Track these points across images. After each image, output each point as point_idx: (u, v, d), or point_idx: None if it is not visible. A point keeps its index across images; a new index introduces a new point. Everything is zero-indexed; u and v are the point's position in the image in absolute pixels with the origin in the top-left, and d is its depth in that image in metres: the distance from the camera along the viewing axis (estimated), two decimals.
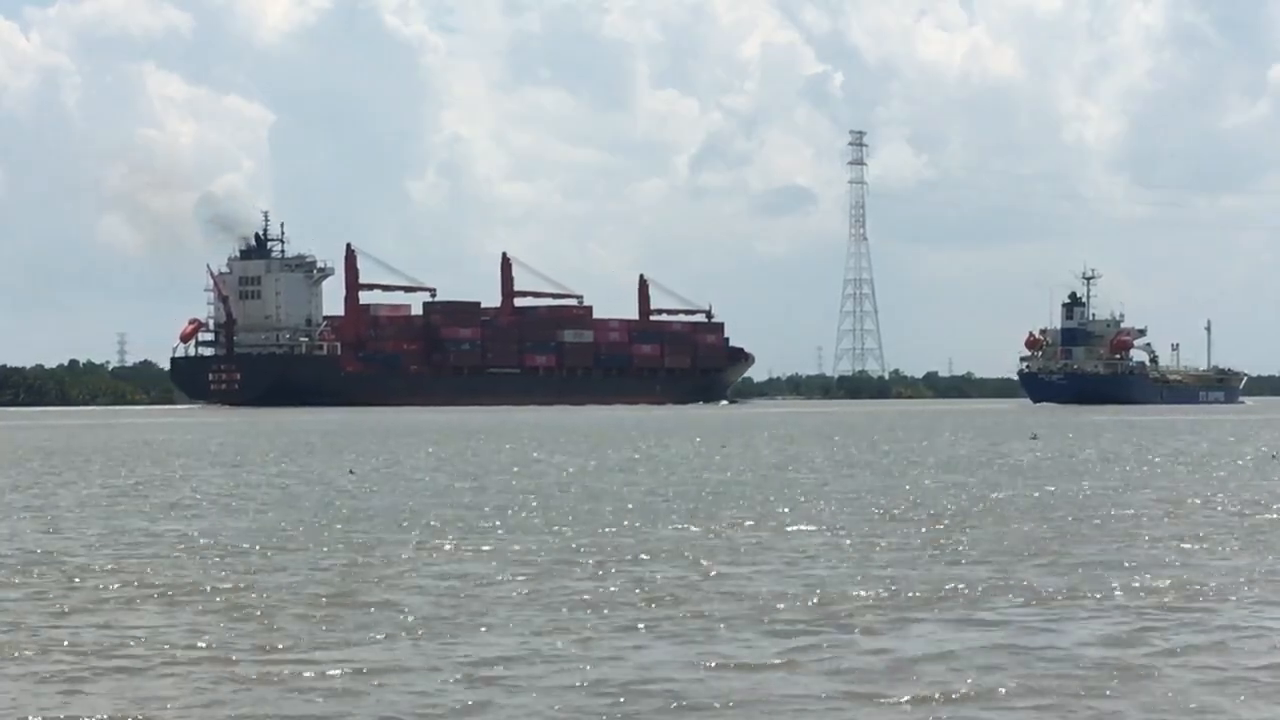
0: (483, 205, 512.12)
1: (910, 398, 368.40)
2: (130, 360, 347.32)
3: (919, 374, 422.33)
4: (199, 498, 42.69)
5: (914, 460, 62.27)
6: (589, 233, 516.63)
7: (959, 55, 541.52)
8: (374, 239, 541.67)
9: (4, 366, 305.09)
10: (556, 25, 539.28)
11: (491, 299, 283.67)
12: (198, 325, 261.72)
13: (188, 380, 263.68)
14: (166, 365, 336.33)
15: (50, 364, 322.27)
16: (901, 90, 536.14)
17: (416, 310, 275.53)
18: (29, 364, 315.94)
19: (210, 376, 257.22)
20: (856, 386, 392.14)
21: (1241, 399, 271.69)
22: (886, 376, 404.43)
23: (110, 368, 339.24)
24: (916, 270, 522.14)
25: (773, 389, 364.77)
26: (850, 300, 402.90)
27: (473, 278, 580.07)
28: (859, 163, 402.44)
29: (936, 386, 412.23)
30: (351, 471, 55.66)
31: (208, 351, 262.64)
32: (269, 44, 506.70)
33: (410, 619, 20.36)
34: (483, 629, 19.65)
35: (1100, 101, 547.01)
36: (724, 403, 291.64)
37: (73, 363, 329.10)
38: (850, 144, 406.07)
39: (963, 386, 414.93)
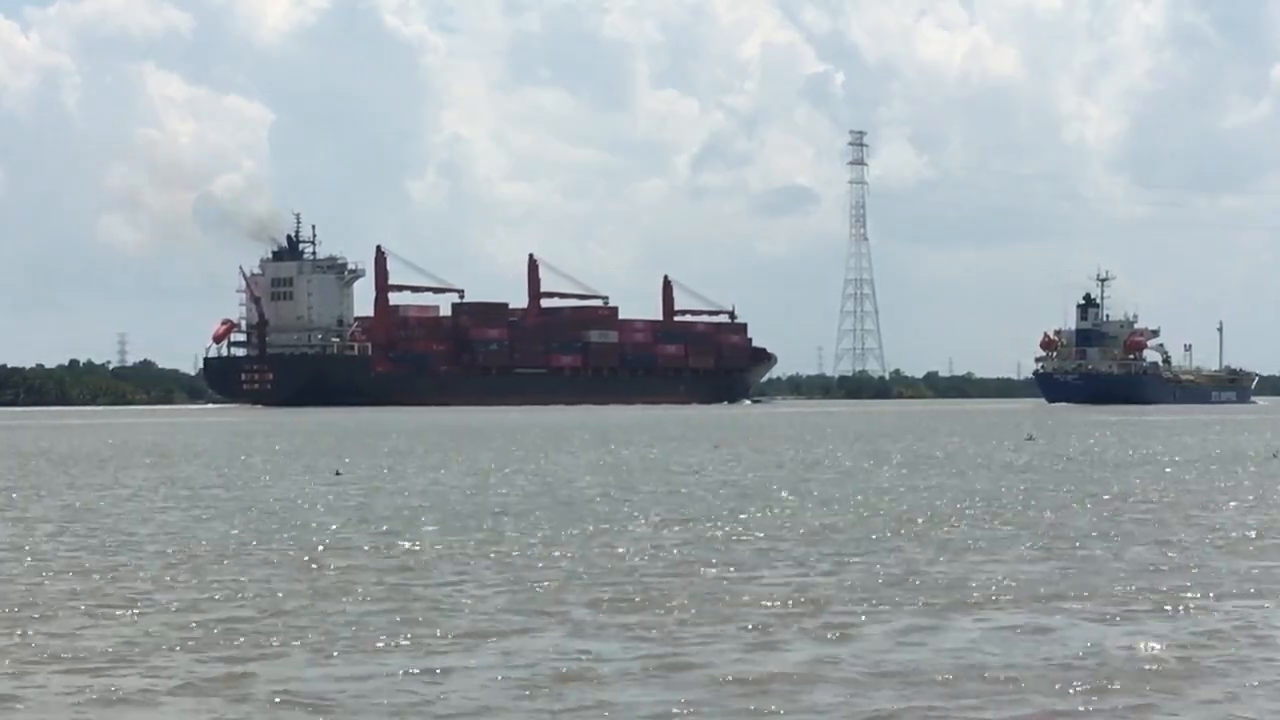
0: (483, 205, 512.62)
1: (910, 398, 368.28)
2: (130, 360, 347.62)
3: (919, 374, 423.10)
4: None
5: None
6: (589, 233, 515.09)
7: (959, 55, 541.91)
8: (374, 239, 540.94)
9: (4, 366, 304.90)
10: (556, 25, 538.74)
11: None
12: (230, 325, 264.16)
13: (220, 380, 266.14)
14: (166, 365, 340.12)
15: (50, 364, 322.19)
16: (902, 90, 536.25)
17: (445, 311, 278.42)
18: (29, 364, 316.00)
19: (243, 376, 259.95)
20: (857, 386, 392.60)
21: (1253, 399, 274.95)
22: (887, 376, 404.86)
23: (110, 368, 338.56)
24: (917, 270, 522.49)
25: (773, 389, 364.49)
26: (851, 300, 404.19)
27: (473, 277, 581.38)
28: (859, 163, 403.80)
29: (936, 386, 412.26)
30: (338, 473, 55.10)
31: (240, 352, 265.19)
32: (269, 44, 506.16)
33: None
34: None
35: (1100, 101, 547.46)
36: (746, 402, 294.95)
37: (73, 363, 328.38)
38: (850, 144, 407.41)
39: (963, 386, 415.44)
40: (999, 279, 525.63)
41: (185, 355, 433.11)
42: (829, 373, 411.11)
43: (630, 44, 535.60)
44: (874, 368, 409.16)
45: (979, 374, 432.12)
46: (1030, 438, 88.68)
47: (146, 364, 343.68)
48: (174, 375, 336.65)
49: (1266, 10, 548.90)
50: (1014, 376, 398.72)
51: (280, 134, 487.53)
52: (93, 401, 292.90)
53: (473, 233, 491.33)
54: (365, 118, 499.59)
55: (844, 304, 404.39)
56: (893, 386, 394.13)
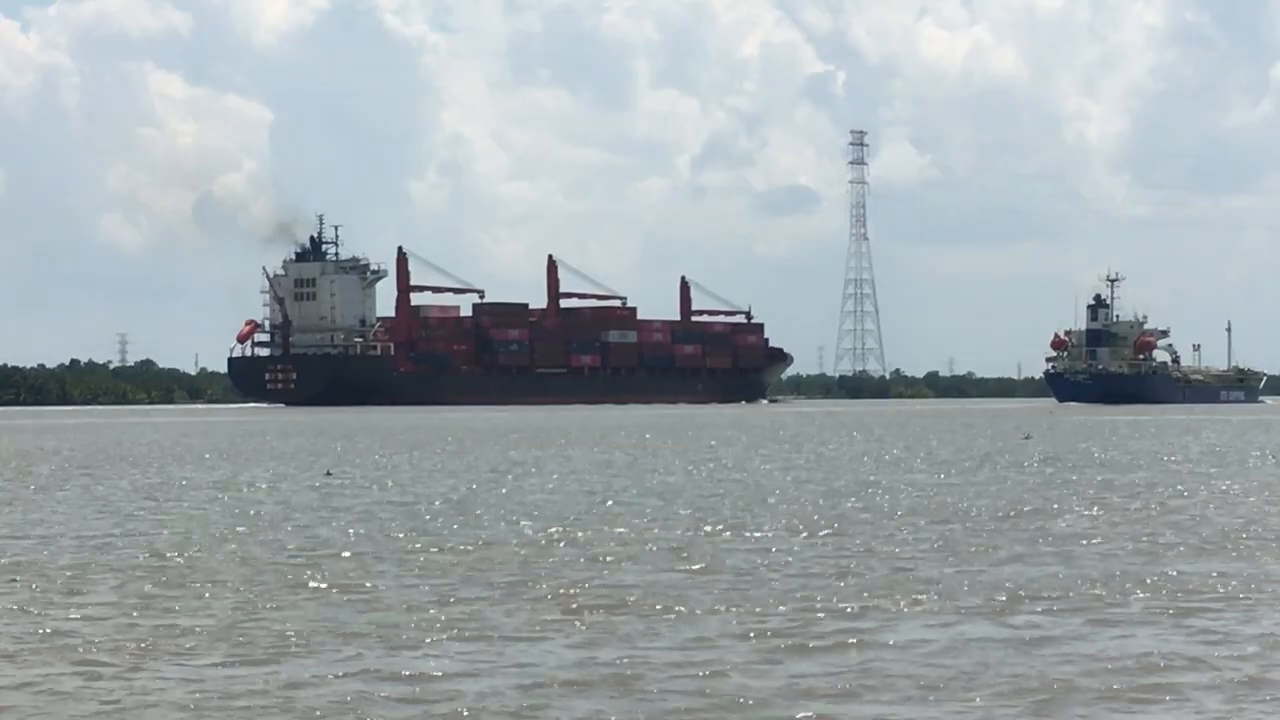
0: (483, 205, 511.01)
1: (910, 398, 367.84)
2: (130, 360, 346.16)
3: (919, 374, 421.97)
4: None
5: None
6: (591, 232, 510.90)
7: (960, 54, 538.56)
8: (374, 239, 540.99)
9: (4, 366, 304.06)
10: (556, 25, 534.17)
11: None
12: (254, 326, 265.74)
13: (244, 380, 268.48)
14: (166, 365, 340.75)
15: (51, 364, 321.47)
16: (903, 89, 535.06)
17: (465, 311, 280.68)
18: (30, 364, 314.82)
19: (267, 376, 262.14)
20: (857, 386, 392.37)
21: (1261, 399, 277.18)
22: (887, 376, 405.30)
23: (111, 368, 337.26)
24: (917, 270, 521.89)
25: (774, 389, 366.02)
26: (851, 300, 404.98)
27: (473, 276, 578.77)
28: (859, 162, 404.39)
29: (936, 386, 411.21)
30: (329, 473, 55.15)
31: (264, 352, 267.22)
32: (269, 44, 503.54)
33: None
34: None
35: (1102, 101, 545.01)
36: (764, 402, 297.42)
37: (73, 363, 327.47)
38: (851, 144, 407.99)
39: (963, 386, 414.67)
40: (1000, 279, 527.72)
41: (185, 355, 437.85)
42: (829, 373, 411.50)
43: (630, 44, 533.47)
44: (874, 368, 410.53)
45: (979, 374, 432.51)
46: (1028, 437, 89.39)
47: (147, 364, 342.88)
48: (174, 375, 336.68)
49: (1268, 10, 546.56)
50: (1014, 376, 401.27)
51: (280, 134, 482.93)
52: (93, 401, 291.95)
53: (474, 233, 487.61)
54: (365, 118, 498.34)
55: (844, 304, 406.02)
56: (893, 386, 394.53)
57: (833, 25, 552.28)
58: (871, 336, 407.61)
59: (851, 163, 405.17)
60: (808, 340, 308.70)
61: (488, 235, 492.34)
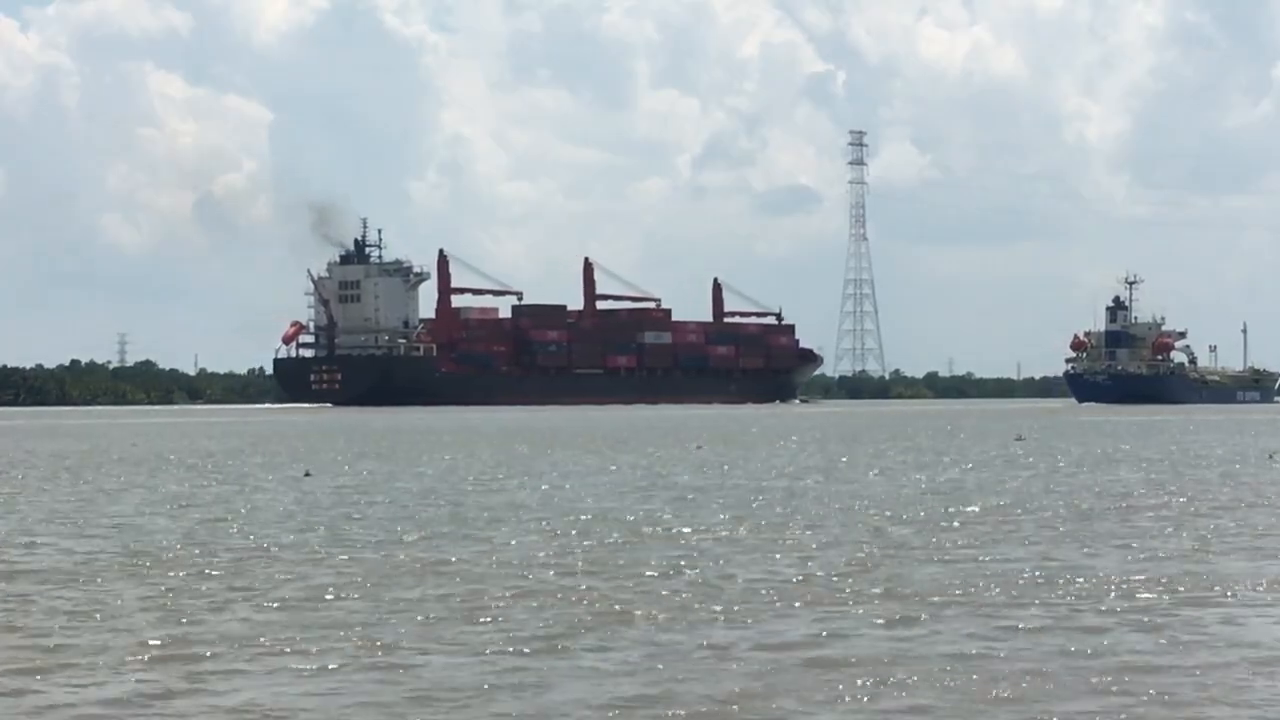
0: (483, 205, 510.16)
1: (910, 398, 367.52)
2: (130, 360, 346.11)
3: (919, 374, 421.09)
4: None
5: None
6: (592, 232, 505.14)
7: (960, 54, 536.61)
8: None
9: (4, 367, 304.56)
10: (556, 25, 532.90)
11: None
12: (299, 327, 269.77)
13: (290, 380, 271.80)
14: (167, 365, 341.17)
15: (50, 364, 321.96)
16: (903, 89, 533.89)
17: (504, 313, 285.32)
18: (29, 364, 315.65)
19: (312, 377, 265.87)
20: (857, 387, 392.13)
21: (1277, 398, 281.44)
22: (887, 377, 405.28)
23: (110, 368, 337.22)
24: (917, 270, 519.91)
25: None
26: (851, 300, 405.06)
27: (477, 276, 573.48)
28: (859, 163, 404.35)
29: (936, 387, 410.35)
30: (307, 474, 55.44)
31: (309, 353, 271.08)
32: (269, 44, 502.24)
33: None
34: None
35: (1102, 101, 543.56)
36: (796, 402, 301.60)
37: (73, 363, 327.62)
38: (850, 144, 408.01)
39: (962, 387, 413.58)
40: (1000, 279, 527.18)
41: (185, 355, 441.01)
42: (829, 373, 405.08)
43: (630, 44, 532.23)
44: (874, 368, 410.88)
45: (979, 374, 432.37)
46: (1020, 438, 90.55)
47: (146, 364, 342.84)
48: (174, 375, 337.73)
49: (1269, 9, 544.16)
50: (1014, 377, 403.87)
51: (280, 134, 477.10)
52: (92, 402, 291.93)
53: (473, 233, 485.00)
54: (365, 118, 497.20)
55: (844, 304, 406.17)
56: (892, 387, 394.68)
57: (833, 25, 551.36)
58: (871, 337, 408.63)
59: (851, 163, 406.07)
60: (807, 340, 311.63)
61: (488, 235, 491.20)
